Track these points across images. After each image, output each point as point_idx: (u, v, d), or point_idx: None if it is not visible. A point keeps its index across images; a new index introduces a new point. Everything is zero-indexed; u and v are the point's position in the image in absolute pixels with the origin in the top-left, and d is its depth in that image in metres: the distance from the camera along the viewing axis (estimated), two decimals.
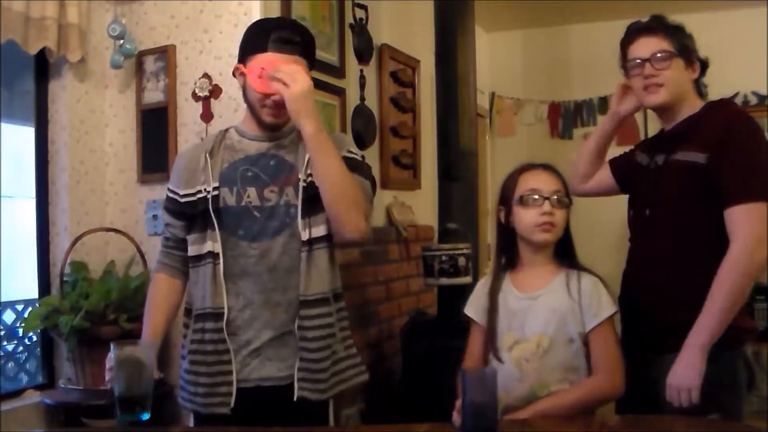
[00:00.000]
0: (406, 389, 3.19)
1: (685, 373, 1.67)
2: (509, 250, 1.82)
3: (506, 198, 1.79)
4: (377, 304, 3.48)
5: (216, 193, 1.80)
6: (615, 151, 2.18)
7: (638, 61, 1.86)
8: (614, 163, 2.14)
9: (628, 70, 1.92)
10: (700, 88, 1.93)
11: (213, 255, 1.79)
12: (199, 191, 1.82)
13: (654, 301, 1.83)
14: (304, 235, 1.78)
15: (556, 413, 1.65)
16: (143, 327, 1.86)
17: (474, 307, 1.84)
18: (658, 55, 1.83)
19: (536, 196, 1.73)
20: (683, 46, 1.86)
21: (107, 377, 1.62)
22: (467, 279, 3.14)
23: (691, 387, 1.65)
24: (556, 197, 1.73)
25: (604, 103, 5.48)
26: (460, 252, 3.17)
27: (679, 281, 1.79)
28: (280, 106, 1.78)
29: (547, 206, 1.71)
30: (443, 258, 3.17)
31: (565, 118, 5.61)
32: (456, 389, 1.74)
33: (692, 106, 1.88)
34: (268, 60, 1.75)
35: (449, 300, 3.21)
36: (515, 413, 1.65)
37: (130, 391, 1.54)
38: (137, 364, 1.56)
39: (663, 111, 1.92)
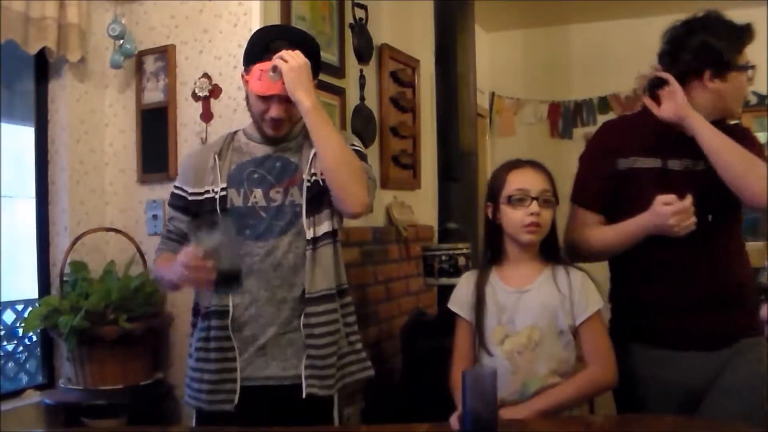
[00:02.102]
0: (406, 389, 3.19)
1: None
2: (496, 246, 1.82)
3: (494, 195, 1.79)
4: (377, 304, 3.48)
5: (224, 193, 1.83)
6: None
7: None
8: (603, 202, 1.90)
9: (727, 71, 1.81)
10: None
11: None
12: (207, 191, 1.85)
13: (712, 301, 1.78)
14: (309, 234, 1.80)
15: (556, 409, 1.66)
16: (169, 265, 1.75)
17: (459, 303, 1.85)
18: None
19: (524, 197, 1.73)
20: None
21: (191, 270, 1.59)
22: None
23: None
24: (543, 198, 1.74)
25: (604, 103, 5.50)
26: (460, 252, 3.17)
27: (741, 280, 1.84)
28: (278, 124, 1.81)
29: (534, 207, 1.72)
30: (443, 258, 3.17)
31: (565, 117, 5.62)
32: (451, 390, 1.75)
33: None
34: (266, 65, 1.77)
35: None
36: (513, 408, 1.66)
37: (227, 266, 1.62)
38: (225, 243, 1.63)
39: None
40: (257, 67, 1.78)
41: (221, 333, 1.80)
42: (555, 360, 1.71)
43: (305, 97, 1.74)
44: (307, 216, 1.81)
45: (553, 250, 1.81)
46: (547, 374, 1.70)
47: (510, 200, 1.74)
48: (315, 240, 1.81)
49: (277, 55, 1.75)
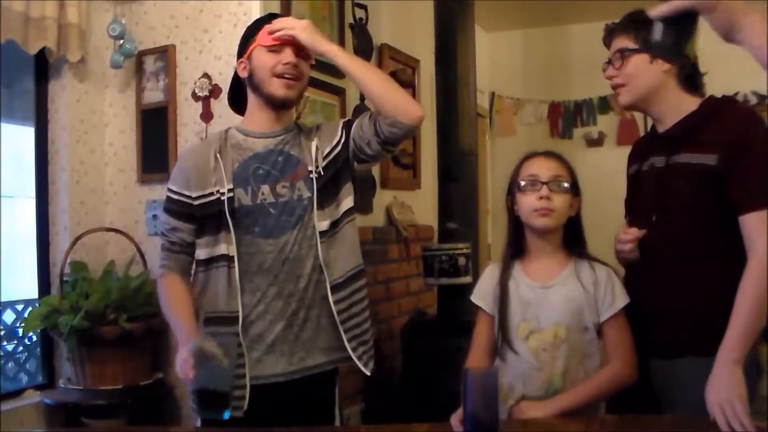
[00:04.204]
0: (406, 389, 3.19)
1: (723, 387, 1.52)
2: (517, 239, 1.82)
3: (511, 186, 1.81)
4: (377, 304, 3.48)
5: (231, 195, 1.78)
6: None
7: (606, 63, 1.80)
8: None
9: None
10: (693, 81, 1.75)
11: (227, 258, 1.76)
12: (212, 193, 1.79)
13: (667, 306, 1.73)
14: (322, 226, 1.80)
15: (580, 406, 1.66)
16: (177, 323, 1.75)
17: (481, 296, 1.84)
18: (615, 54, 1.76)
19: (534, 182, 1.74)
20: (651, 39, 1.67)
21: (183, 374, 1.53)
22: (467, 279, 3.14)
23: (732, 399, 1.49)
24: (555, 182, 1.74)
25: (604, 103, 5.49)
26: (460, 252, 3.17)
27: (695, 287, 1.69)
28: (291, 77, 1.80)
29: (544, 191, 1.72)
30: (443, 258, 3.17)
31: (565, 117, 5.62)
32: (458, 390, 1.75)
33: (682, 102, 1.72)
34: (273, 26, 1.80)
35: (449, 300, 3.21)
36: (537, 404, 1.66)
37: (212, 386, 1.49)
38: (218, 361, 1.49)
39: (647, 114, 1.82)
40: (264, 29, 1.79)
41: None
42: (579, 356, 1.71)
43: (330, 46, 1.82)
44: (320, 207, 1.80)
45: (577, 244, 1.80)
46: (571, 371, 1.70)
47: (520, 187, 1.76)
48: (335, 223, 1.82)
49: (275, 21, 1.80)
